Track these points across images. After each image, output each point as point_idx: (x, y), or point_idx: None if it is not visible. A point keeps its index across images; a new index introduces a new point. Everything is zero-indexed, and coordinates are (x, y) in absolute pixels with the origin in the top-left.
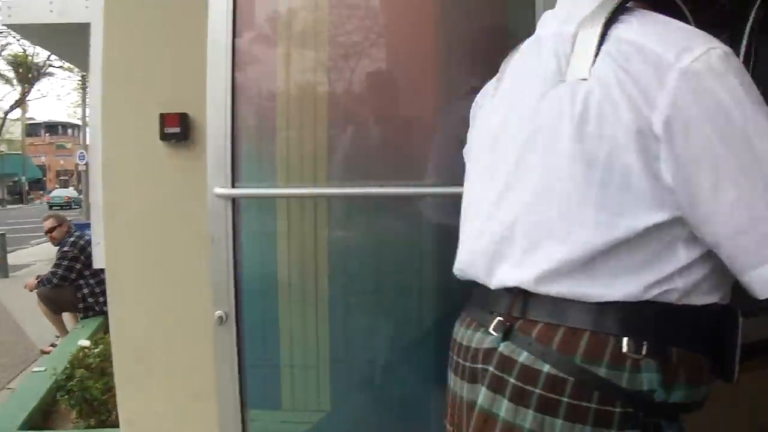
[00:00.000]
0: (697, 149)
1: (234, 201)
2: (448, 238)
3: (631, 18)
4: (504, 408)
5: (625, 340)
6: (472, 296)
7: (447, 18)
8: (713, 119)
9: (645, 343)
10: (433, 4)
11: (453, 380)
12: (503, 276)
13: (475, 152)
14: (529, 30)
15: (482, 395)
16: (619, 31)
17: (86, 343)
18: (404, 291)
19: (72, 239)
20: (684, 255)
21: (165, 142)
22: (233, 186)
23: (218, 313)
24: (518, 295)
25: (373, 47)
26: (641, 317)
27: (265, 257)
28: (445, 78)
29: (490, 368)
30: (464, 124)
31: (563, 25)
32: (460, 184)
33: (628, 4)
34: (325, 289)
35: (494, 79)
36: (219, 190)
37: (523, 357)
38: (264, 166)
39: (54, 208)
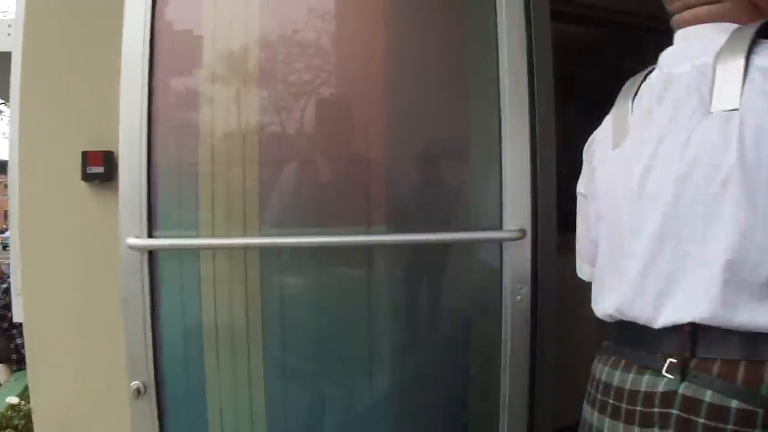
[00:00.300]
0: None
1: (151, 253)
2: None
3: (765, 48)
4: None
5: None
6: (623, 337)
7: (390, 58)
8: None
9: None
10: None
11: (606, 422)
12: (673, 314)
13: (610, 198)
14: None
15: None
16: (757, 60)
17: (15, 400)
18: (350, 354)
19: (5, 285)
20: None
21: (87, 182)
22: (150, 236)
23: (134, 384)
24: (688, 333)
25: (308, 82)
26: None
27: (188, 318)
28: (389, 118)
29: (674, 411)
30: (412, 165)
31: (697, 60)
32: (413, 230)
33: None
34: (260, 354)
35: (609, 124)
36: (132, 241)
37: (708, 396)
38: (186, 213)
39: (6, 248)
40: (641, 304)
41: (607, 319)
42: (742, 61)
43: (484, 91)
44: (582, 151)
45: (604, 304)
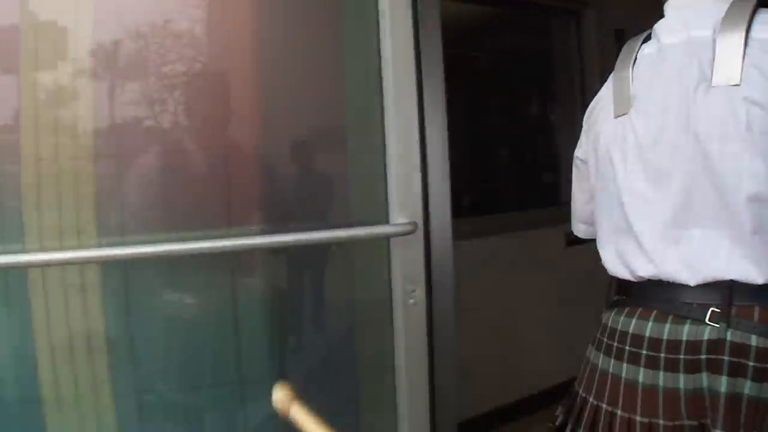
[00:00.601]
0: None
1: None
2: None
3: (763, 18)
4: (747, 387)
5: None
6: (649, 290)
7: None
8: None
9: None
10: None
11: (640, 372)
12: (715, 272)
13: (617, 158)
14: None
15: (724, 382)
16: (756, 33)
17: None
18: (215, 376)
19: None
20: None
21: None
22: None
23: None
24: (727, 286)
25: (152, 63)
26: None
27: (17, 356)
28: (257, 107)
29: (725, 357)
30: (283, 157)
31: (694, 31)
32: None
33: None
34: (108, 394)
35: (609, 92)
36: None
37: (754, 340)
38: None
39: None
40: (677, 265)
41: (630, 278)
42: (742, 34)
43: (364, 76)
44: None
45: (634, 265)
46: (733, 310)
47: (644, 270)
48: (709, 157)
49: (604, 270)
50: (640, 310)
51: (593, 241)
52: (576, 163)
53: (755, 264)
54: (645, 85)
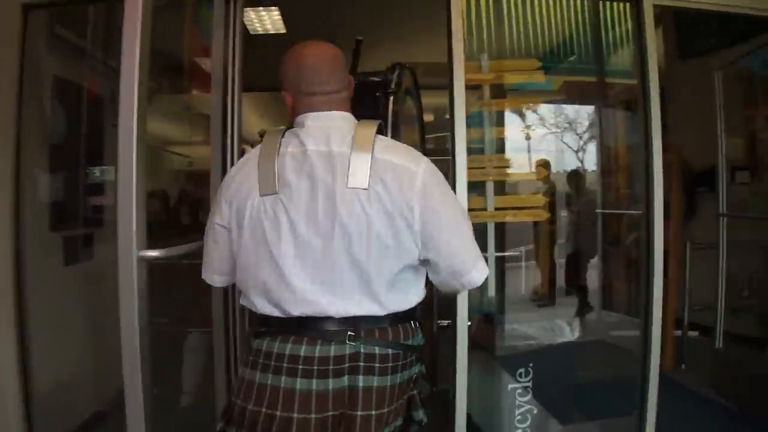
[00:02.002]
0: (443, 214)
1: None
2: None
3: (380, 143)
4: (375, 381)
5: (412, 323)
6: (301, 326)
7: None
8: (444, 197)
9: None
10: None
11: (297, 382)
12: (351, 310)
13: (269, 228)
14: None
15: (361, 380)
16: (379, 153)
17: None
18: None
19: None
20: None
21: None
22: None
23: None
24: (352, 319)
25: None
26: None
27: None
28: None
29: (361, 363)
30: None
31: (335, 147)
32: None
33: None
34: None
35: (252, 174)
36: None
37: (378, 350)
38: None
39: None
40: (322, 308)
41: (282, 316)
42: (369, 155)
43: None
44: None
45: (289, 308)
46: (363, 333)
47: (299, 310)
48: (344, 237)
49: None
50: (293, 337)
51: None
52: (215, 228)
53: (376, 304)
54: (293, 177)
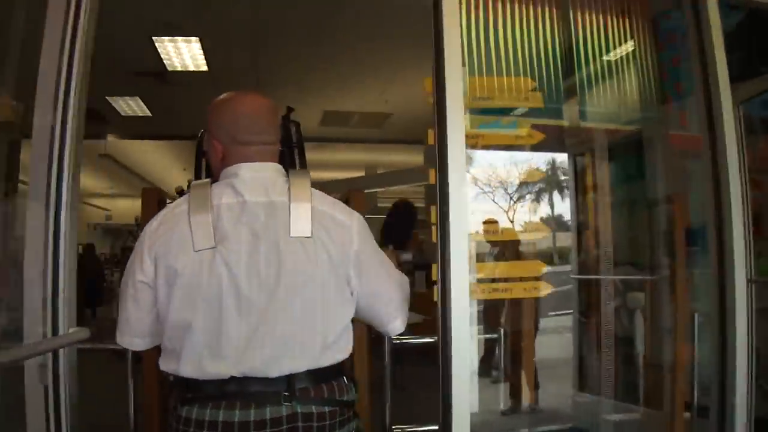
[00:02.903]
0: (373, 267)
1: None
2: None
3: (317, 195)
4: None
5: (345, 378)
6: (231, 390)
7: None
8: (375, 251)
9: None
10: None
11: None
12: (283, 366)
13: (209, 284)
14: None
15: None
16: (315, 204)
17: None
18: None
19: None
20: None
21: None
22: None
23: None
24: (288, 378)
25: None
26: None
27: None
28: None
29: (300, 423)
30: None
31: (274, 196)
32: None
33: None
34: None
35: (184, 226)
36: None
37: (314, 408)
38: None
39: None
40: (252, 364)
41: (210, 378)
42: (309, 204)
43: None
44: None
45: (216, 368)
46: (298, 392)
47: (234, 370)
48: (289, 289)
49: None
50: (224, 402)
51: None
52: (137, 286)
53: (313, 360)
54: (231, 229)
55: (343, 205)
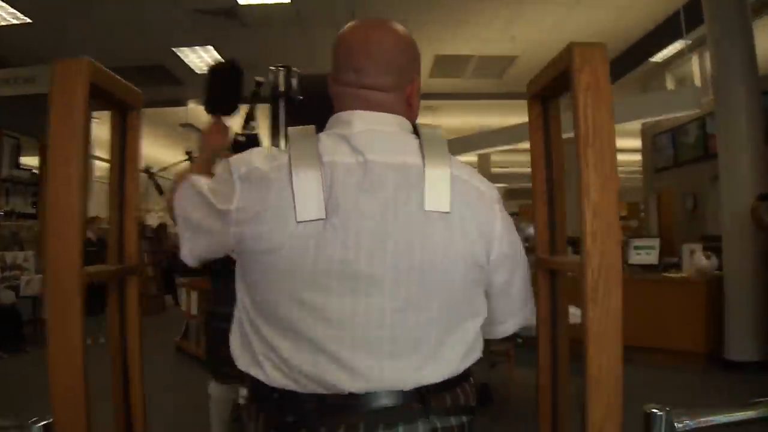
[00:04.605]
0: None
1: None
2: None
3: (455, 161)
4: None
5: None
6: (347, 409)
7: None
8: (512, 230)
9: None
10: None
11: None
12: (418, 375)
13: (297, 272)
14: None
15: None
16: (453, 170)
17: None
18: None
19: None
20: None
21: None
22: None
23: None
24: (422, 388)
25: None
26: None
27: None
28: None
29: None
30: None
31: (401, 157)
32: None
33: None
34: None
35: (273, 184)
36: None
37: (453, 421)
38: None
39: None
40: (375, 374)
41: (321, 391)
42: (448, 171)
43: None
44: None
45: (326, 379)
46: (432, 403)
47: (353, 385)
48: (423, 275)
49: None
50: (343, 425)
51: None
52: (214, 208)
53: (450, 362)
54: (348, 197)
55: (480, 175)
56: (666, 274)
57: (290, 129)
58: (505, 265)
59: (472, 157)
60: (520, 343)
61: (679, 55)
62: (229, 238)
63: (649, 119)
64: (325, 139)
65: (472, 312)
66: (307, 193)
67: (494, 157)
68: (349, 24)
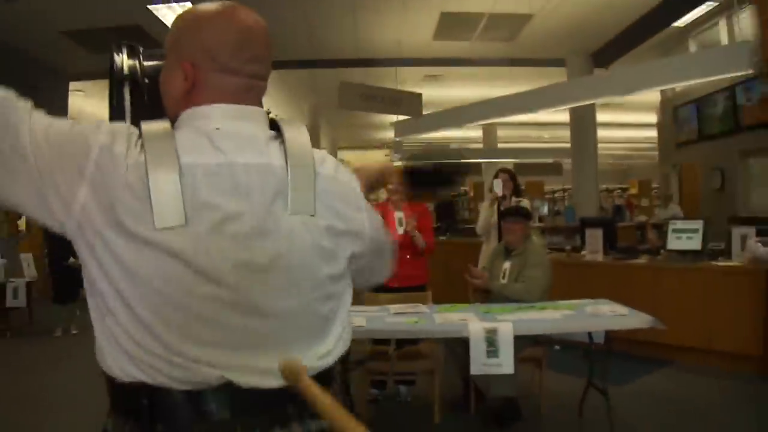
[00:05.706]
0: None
1: None
2: None
3: (319, 157)
4: None
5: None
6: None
7: None
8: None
9: None
10: None
11: None
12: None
13: (156, 280)
14: None
15: None
16: (319, 169)
17: None
18: None
19: None
20: None
21: None
22: None
23: None
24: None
25: None
26: None
27: None
28: None
29: None
30: None
31: (265, 158)
32: None
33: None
34: None
35: (133, 192)
36: None
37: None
38: None
39: None
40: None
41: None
42: (311, 170)
43: None
44: None
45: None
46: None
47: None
48: (286, 275)
49: None
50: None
51: None
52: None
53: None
54: (209, 200)
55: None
56: (714, 263)
57: (144, 126)
58: (371, 248)
59: (476, 132)
60: (558, 350)
61: (705, 18)
62: None
63: (695, 81)
64: (182, 135)
65: (343, 306)
66: (165, 197)
67: (500, 132)
68: (214, 5)
